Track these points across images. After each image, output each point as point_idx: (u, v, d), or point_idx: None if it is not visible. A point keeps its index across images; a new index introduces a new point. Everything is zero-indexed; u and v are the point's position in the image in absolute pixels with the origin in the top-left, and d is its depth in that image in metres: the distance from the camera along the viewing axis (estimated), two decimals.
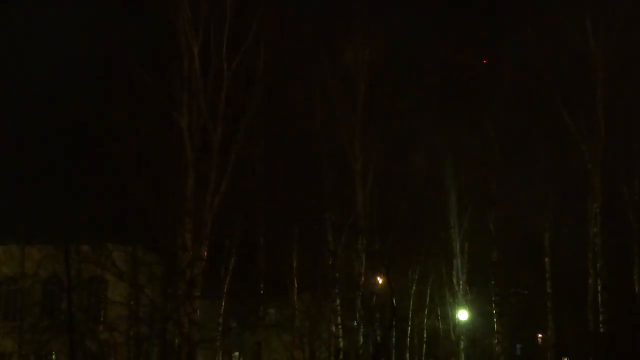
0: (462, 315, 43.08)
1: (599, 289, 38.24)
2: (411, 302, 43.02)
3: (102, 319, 37.40)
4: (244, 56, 31.79)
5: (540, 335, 50.62)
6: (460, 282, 42.99)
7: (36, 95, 41.28)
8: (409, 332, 43.47)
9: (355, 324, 40.16)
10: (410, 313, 43.17)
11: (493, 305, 41.30)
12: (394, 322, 38.60)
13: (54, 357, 39.33)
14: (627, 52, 38.15)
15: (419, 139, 42.15)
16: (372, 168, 40.19)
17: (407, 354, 43.71)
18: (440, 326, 45.88)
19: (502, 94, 40.68)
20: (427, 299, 44.78)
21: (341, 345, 39.85)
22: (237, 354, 47.69)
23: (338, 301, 39.83)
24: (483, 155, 41.63)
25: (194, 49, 31.01)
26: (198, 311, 30.74)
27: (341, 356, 39.90)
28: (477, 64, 40.46)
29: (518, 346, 52.73)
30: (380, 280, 41.20)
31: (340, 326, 39.70)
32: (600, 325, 38.31)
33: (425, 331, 45.22)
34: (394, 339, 42.14)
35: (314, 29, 39.10)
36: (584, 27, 38.04)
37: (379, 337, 38.75)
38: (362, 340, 40.07)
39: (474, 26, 40.81)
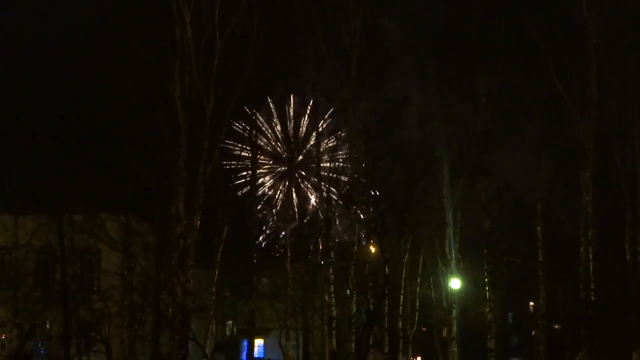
0: (455, 283, 43.18)
1: (590, 257, 38.35)
2: (404, 271, 43.12)
3: (95, 288, 37.51)
4: (236, 24, 31.44)
5: (532, 304, 50.84)
6: (453, 251, 43.04)
7: (28, 63, 41.00)
8: (401, 301, 43.60)
9: (348, 292, 40.30)
10: (403, 282, 43.28)
11: (485, 273, 41.32)
12: (386, 291, 38.71)
13: (47, 326, 39.42)
14: (621, 21, 38.01)
15: (412, 106, 42.14)
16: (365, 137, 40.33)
17: (400, 322, 43.89)
18: (433, 295, 46.01)
19: (496, 62, 40.50)
20: (420, 268, 44.88)
21: (334, 314, 40.04)
22: (230, 322, 47.87)
23: (331, 270, 39.95)
24: (476, 123, 41.47)
25: (186, 16, 30.70)
26: (191, 280, 30.67)
27: (334, 325, 40.08)
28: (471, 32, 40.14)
29: (510, 314, 53.05)
30: (373, 249, 41.25)
31: (333, 295, 39.84)
32: (592, 294, 38.46)
33: (417, 299, 45.37)
34: (386, 308, 42.30)
35: None
36: None
37: (371, 306, 38.87)
38: (355, 308, 40.24)
39: None
